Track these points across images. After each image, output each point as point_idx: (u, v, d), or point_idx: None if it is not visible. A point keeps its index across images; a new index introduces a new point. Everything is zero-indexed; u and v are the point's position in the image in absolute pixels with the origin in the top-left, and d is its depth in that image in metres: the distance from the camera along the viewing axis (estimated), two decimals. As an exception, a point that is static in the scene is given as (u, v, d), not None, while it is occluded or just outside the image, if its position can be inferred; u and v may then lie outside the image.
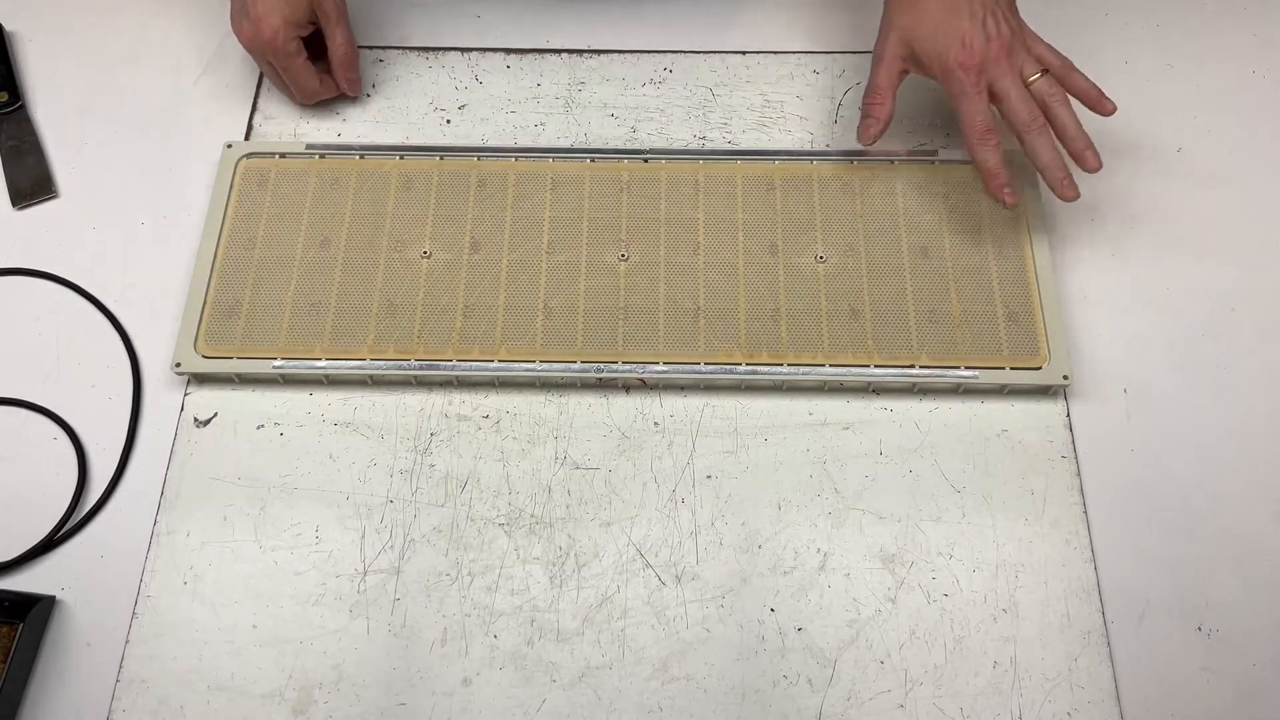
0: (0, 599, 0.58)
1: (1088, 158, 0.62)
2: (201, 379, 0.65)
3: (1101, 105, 0.63)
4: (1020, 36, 0.63)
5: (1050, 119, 0.62)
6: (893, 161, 0.69)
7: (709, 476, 0.62)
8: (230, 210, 0.68)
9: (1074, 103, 0.64)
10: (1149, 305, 0.67)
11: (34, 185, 0.72)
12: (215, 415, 0.64)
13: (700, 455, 0.63)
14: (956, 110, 0.63)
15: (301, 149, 0.71)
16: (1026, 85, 0.62)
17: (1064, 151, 0.63)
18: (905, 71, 0.66)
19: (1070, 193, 0.62)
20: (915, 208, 0.68)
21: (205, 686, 0.57)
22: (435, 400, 0.65)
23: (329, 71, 0.73)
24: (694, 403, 0.64)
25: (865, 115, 0.66)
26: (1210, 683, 0.57)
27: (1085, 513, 0.61)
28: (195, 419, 0.64)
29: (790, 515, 0.61)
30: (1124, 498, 0.62)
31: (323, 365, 0.64)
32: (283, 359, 0.64)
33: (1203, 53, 0.77)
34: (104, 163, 0.74)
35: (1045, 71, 0.63)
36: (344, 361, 0.64)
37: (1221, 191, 0.71)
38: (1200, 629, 0.58)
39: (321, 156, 0.70)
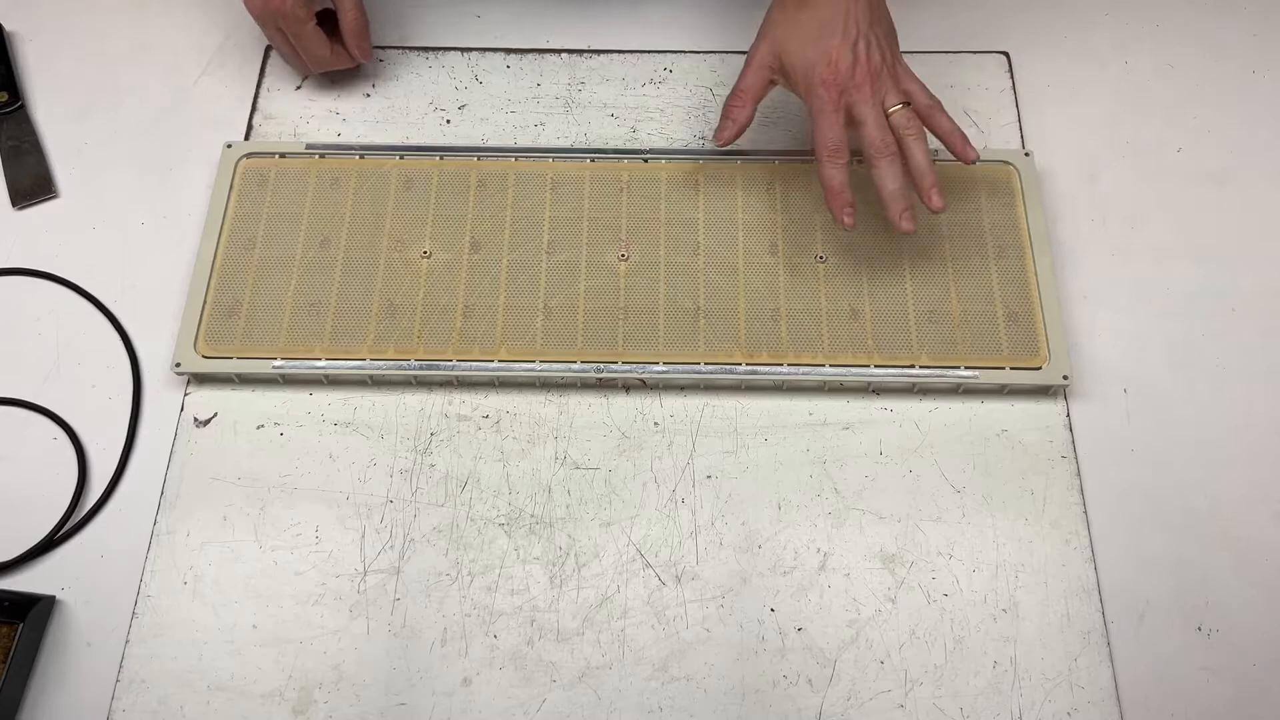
0: (0, 599, 0.58)
1: (932, 196, 0.61)
2: (201, 379, 0.65)
3: (965, 153, 0.62)
4: (891, 67, 0.62)
5: (903, 150, 0.61)
6: None
7: (709, 476, 0.62)
8: (230, 210, 0.68)
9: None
10: (1149, 305, 0.67)
11: (34, 185, 0.72)
12: (215, 415, 0.64)
13: (700, 455, 0.63)
14: (813, 126, 0.62)
15: (301, 149, 0.71)
16: (886, 115, 0.61)
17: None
18: (774, 82, 0.65)
19: (908, 225, 0.61)
20: (914, 207, 0.67)
21: (205, 686, 0.57)
22: (435, 400, 0.65)
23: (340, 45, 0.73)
24: (694, 403, 0.64)
25: (724, 117, 0.65)
26: (1210, 683, 0.57)
27: (1085, 513, 0.61)
28: (195, 419, 0.64)
29: (790, 515, 0.61)
30: (1124, 498, 0.62)
31: (323, 365, 0.64)
32: (283, 359, 0.64)
33: (1203, 53, 0.77)
34: (104, 163, 0.74)
35: (907, 104, 0.62)
36: (344, 361, 0.64)
37: (1221, 191, 0.71)
38: (1200, 629, 0.58)
39: (321, 156, 0.70)
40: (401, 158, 0.70)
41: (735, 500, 0.61)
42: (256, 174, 0.70)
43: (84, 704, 0.57)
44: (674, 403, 0.64)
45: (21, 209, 0.72)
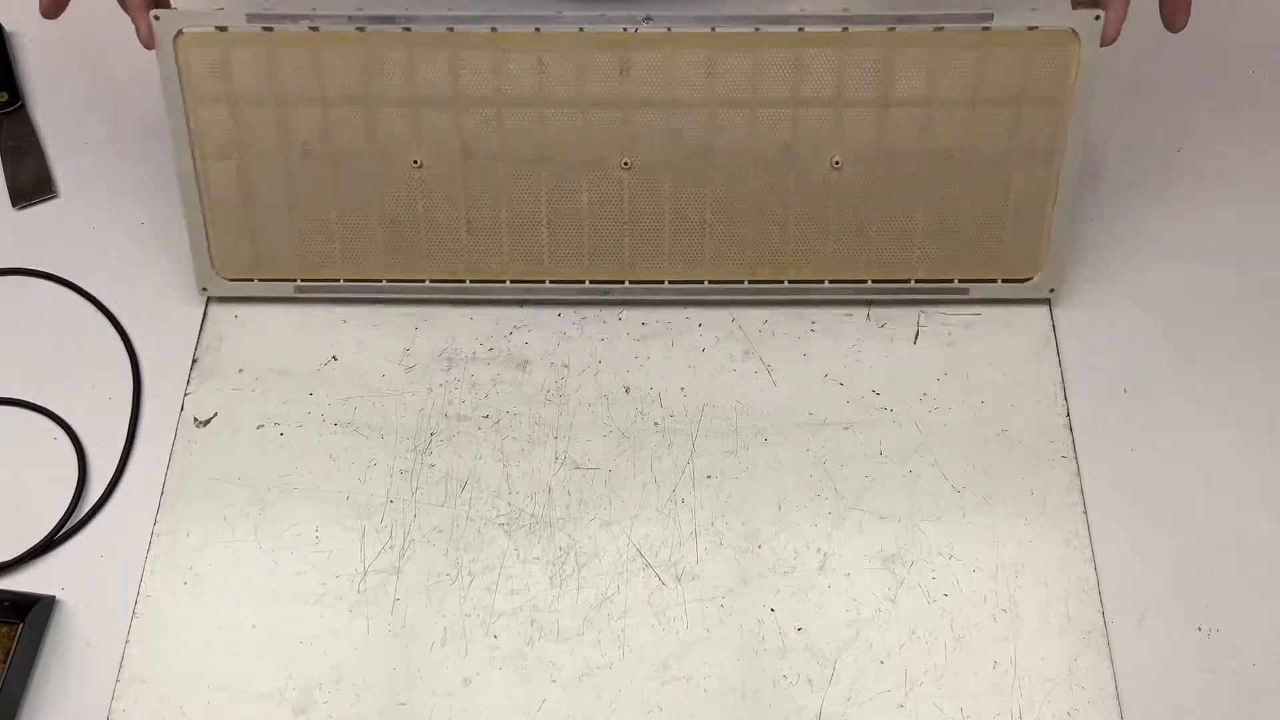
0: (0, 599, 0.58)
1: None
2: (224, 302, 0.67)
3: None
4: None
5: None
6: (941, 29, 0.60)
7: (709, 476, 0.62)
8: (192, 118, 0.63)
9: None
10: (1149, 305, 0.67)
11: (34, 185, 0.72)
12: (215, 415, 0.64)
13: (700, 455, 0.63)
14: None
15: (242, 22, 0.60)
16: None
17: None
18: None
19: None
20: (951, 86, 0.61)
21: (205, 686, 0.57)
22: (435, 400, 0.65)
23: None
24: (694, 402, 0.64)
25: None
26: (1210, 683, 0.57)
27: (1085, 513, 0.61)
28: (195, 419, 0.64)
29: (790, 515, 0.61)
30: (1124, 498, 0.62)
31: (340, 285, 0.66)
32: (302, 280, 0.66)
33: (1203, 53, 0.77)
34: (104, 163, 0.74)
35: None
36: (359, 283, 0.66)
37: (1221, 191, 0.71)
38: (1200, 629, 0.58)
39: (266, 29, 0.60)
40: (362, 29, 0.60)
41: (735, 500, 0.61)
42: (207, 64, 0.62)
43: (84, 704, 0.57)
44: (674, 402, 0.64)
45: (21, 209, 0.72)
